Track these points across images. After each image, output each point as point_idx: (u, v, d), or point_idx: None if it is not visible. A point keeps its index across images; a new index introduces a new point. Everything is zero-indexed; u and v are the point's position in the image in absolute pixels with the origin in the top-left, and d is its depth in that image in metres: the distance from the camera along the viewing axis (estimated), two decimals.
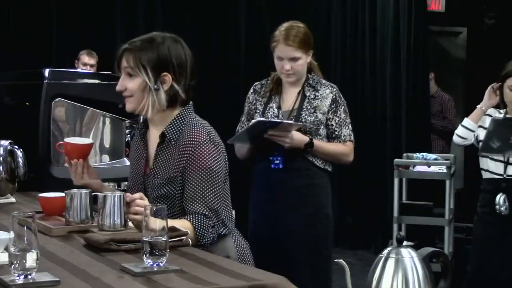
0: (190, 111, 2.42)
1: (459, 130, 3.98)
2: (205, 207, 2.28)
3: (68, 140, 2.58)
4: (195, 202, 2.28)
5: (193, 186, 2.29)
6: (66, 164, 2.62)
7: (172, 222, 2.16)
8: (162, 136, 2.38)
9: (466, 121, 3.96)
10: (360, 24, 7.24)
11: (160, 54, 2.32)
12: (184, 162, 2.30)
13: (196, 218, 2.26)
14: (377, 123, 7.14)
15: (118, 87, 2.39)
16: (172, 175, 2.32)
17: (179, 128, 2.36)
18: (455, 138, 4.02)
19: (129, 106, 2.40)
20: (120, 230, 2.23)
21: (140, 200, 2.22)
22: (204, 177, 2.28)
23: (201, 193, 2.28)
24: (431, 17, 7.61)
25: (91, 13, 6.61)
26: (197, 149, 2.29)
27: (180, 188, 2.32)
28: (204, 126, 2.38)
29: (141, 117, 2.63)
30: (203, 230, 2.26)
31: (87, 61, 6.26)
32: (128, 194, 2.27)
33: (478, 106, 3.96)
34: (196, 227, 2.25)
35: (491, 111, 3.93)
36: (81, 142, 2.59)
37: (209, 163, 2.29)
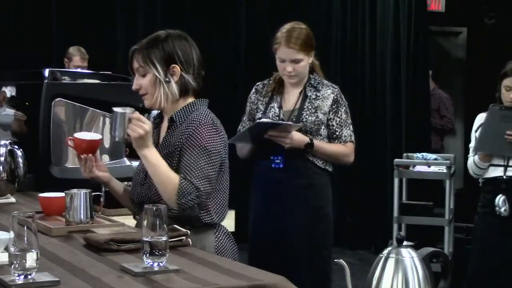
0: (203, 104, 2.54)
1: (475, 169, 3.88)
2: (195, 178, 2.36)
3: (77, 135, 2.60)
4: (187, 172, 2.37)
5: (188, 160, 2.38)
6: (67, 164, 2.63)
7: (165, 168, 2.35)
8: (171, 120, 2.51)
9: (479, 163, 3.85)
10: (360, 24, 7.24)
11: (165, 49, 2.47)
12: (184, 139, 2.41)
13: (184, 180, 2.35)
14: (377, 123, 7.14)
15: (133, 87, 2.52)
16: (171, 150, 2.43)
17: (187, 114, 2.49)
18: (471, 173, 3.94)
19: (146, 102, 2.53)
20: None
21: (139, 122, 2.35)
22: (199, 154, 2.38)
23: (194, 166, 2.37)
24: (431, 17, 7.61)
25: (91, 13, 6.61)
26: (197, 129, 2.41)
27: (176, 163, 2.42)
28: (212, 115, 2.49)
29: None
30: (185, 191, 2.34)
31: (80, 64, 6.17)
32: (135, 112, 2.40)
33: (477, 130, 3.90)
34: (180, 185, 2.34)
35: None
36: (90, 137, 2.62)
37: (205, 143, 2.39)
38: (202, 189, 2.36)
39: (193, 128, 2.41)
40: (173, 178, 2.35)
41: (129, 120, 2.36)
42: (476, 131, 3.93)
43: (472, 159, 3.90)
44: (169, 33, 2.51)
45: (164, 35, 2.50)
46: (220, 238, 2.49)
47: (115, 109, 2.40)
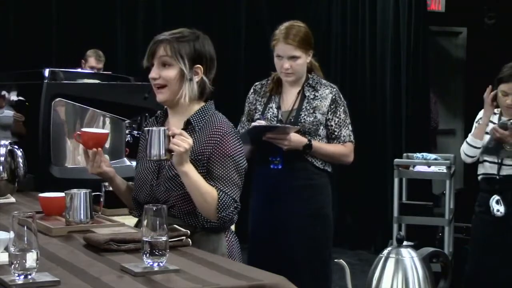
0: (213, 107, 2.54)
1: (467, 149, 3.88)
2: (232, 191, 2.38)
3: (85, 130, 2.59)
4: (223, 185, 2.37)
5: (220, 172, 2.38)
6: (67, 164, 2.62)
7: (203, 182, 2.33)
8: (187, 123, 2.46)
9: (471, 139, 3.87)
10: (360, 24, 7.24)
11: (196, 47, 2.45)
12: (210, 148, 2.40)
13: (223, 193, 2.36)
14: (377, 123, 7.14)
15: (152, 75, 2.45)
16: (195, 157, 2.38)
17: (203, 118, 2.47)
18: (463, 157, 3.93)
19: (162, 96, 2.47)
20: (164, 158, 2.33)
21: (181, 136, 2.30)
22: (229, 165, 2.39)
23: (228, 178, 2.38)
24: (431, 17, 7.61)
25: (92, 13, 6.61)
26: (223, 139, 2.40)
27: (200, 171, 2.38)
28: (227, 120, 2.51)
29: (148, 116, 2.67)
30: (225, 205, 2.35)
31: (95, 65, 6.28)
32: (171, 128, 2.35)
33: (478, 121, 3.92)
34: (220, 198, 2.35)
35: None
36: (98, 132, 2.63)
37: (233, 153, 2.40)
38: (238, 200, 2.38)
39: (219, 137, 2.40)
40: (212, 191, 2.35)
41: (167, 137, 2.30)
42: (477, 121, 3.94)
43: (466, 140, 3.90)
44: (198, 33, 2.49)
45: (193, 33, 2.47)
46: (231, 239, 2.49)
47: (151, 128, 2.33)
